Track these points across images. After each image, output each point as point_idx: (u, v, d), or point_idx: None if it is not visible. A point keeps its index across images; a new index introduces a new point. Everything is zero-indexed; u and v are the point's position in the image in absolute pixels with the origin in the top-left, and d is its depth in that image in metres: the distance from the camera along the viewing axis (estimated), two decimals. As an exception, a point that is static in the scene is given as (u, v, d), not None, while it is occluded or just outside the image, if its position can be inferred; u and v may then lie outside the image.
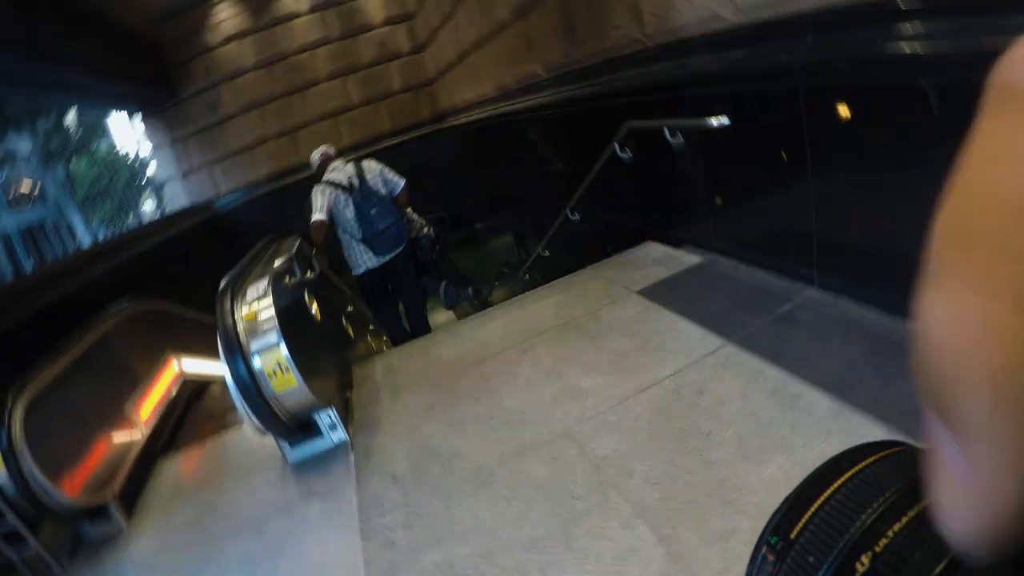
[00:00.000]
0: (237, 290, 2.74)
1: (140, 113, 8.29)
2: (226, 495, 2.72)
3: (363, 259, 4.12)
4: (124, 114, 8.26)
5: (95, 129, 24.16)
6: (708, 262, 3.32)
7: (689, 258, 3.44)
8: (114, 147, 25.63)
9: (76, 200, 23.35)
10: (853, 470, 0.26)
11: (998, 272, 0.15)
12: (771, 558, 0.26)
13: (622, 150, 3.65)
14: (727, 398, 2.17)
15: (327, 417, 2.68)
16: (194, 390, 4.21)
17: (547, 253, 5.38)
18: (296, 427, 2.62)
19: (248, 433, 2.92)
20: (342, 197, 3.96)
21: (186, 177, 8.38)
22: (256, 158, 8.21)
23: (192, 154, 8.30)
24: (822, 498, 0.25)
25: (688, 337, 2.64)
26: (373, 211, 3.96)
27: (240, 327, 2.47)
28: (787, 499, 0.27)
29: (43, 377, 2.76)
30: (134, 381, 3.55)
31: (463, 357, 3.20)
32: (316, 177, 4.13)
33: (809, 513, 0.25)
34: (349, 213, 3.97)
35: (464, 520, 2.02)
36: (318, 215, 3.93)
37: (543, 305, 3.51)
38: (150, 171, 23.03)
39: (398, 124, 8.45)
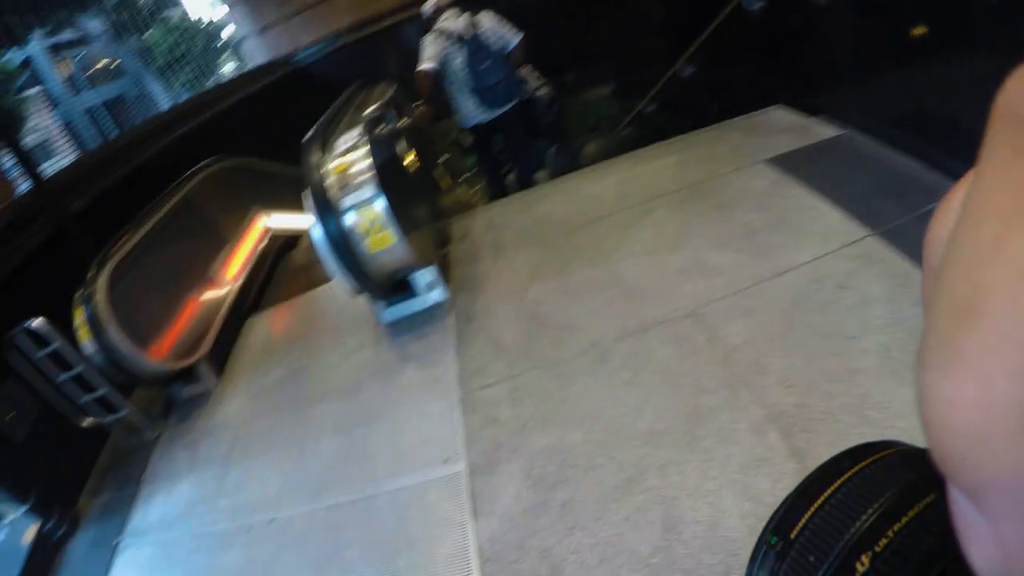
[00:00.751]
0: (326, 141, 2.52)
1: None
2: (317, 356, 2.65)
3: (473, 112, 3.97)
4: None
5: (164, -2, 24.25)
6: (846, 137, 2.89)
7: (824, 130, 3.00)
8: (186, 14, 25.60)
9: (154, 70, 23.76)
10: (853, 470, 0.25)
11: (1010, 350, 0.13)
12: (772, 556, 0.26)
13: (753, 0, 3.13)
14: (872, 299, 1.87)
15: (426, 276, 2.51)
16: (283, 245, 4.16)
17: (650, 109, 4.92)
18: (391, 287, 2.47)
19: (338, 291, 2.81)
20: (454, 48, 3.76)
21: (263, 33, 8.09)
22: (336, 8, 7.77)
23: (267, 10, 7.95)
24: (822, 498, 0.25)
25: (827, 220, 2.30)
26: (484, 64, 3.77)
27: (330, 181, 2.26)
28: (787, 498, 0.27)
29: (127, 245, 2.74)
30: (221, 240, 3.51)
31: (572, 216, 2.94)
32: (427, 28, 3.91)
33: (809, 513, 0.25)
34: (460, 64, 3.78)
35: (577, 402, 1.84)
36: (427, 64, 3.76)
37: (661, 164, 3.18)
38: (226, 33, 22.94)
39: (489, -34, 7.78)
